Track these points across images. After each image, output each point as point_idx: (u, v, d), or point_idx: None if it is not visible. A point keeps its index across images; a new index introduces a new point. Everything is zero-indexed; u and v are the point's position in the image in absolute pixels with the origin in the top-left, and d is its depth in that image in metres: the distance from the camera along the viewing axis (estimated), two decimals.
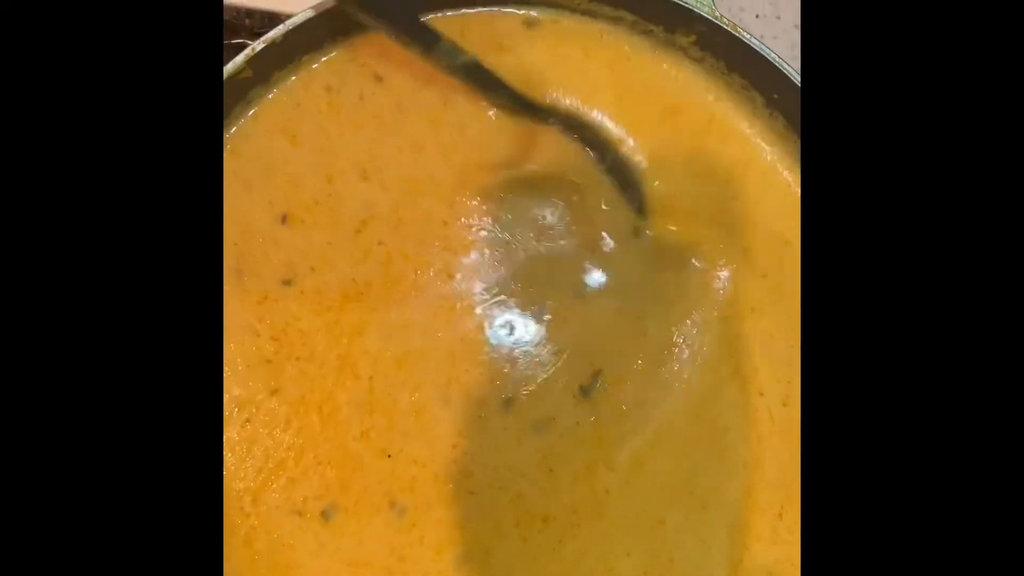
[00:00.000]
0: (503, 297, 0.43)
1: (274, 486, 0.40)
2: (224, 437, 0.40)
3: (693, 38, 0.45)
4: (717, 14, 0.43)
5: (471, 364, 0.42)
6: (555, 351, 0.43)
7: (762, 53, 0.43)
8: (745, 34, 0.43)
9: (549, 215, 0.44)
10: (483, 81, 0.43)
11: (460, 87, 0.44)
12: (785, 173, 0.46)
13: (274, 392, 0.41)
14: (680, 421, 0.42)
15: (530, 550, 0.41)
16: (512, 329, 0.43)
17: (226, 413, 0.40)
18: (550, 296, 0.43)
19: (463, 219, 0.43)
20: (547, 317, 0.43)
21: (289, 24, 0.42)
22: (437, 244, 0.43)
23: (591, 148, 0.45)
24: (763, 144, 0.46)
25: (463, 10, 0.45)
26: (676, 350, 0.43)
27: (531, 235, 0.44)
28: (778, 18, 0.59)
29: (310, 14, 0.42)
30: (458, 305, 0.43)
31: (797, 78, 0.43)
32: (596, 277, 0.44)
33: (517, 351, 0.43)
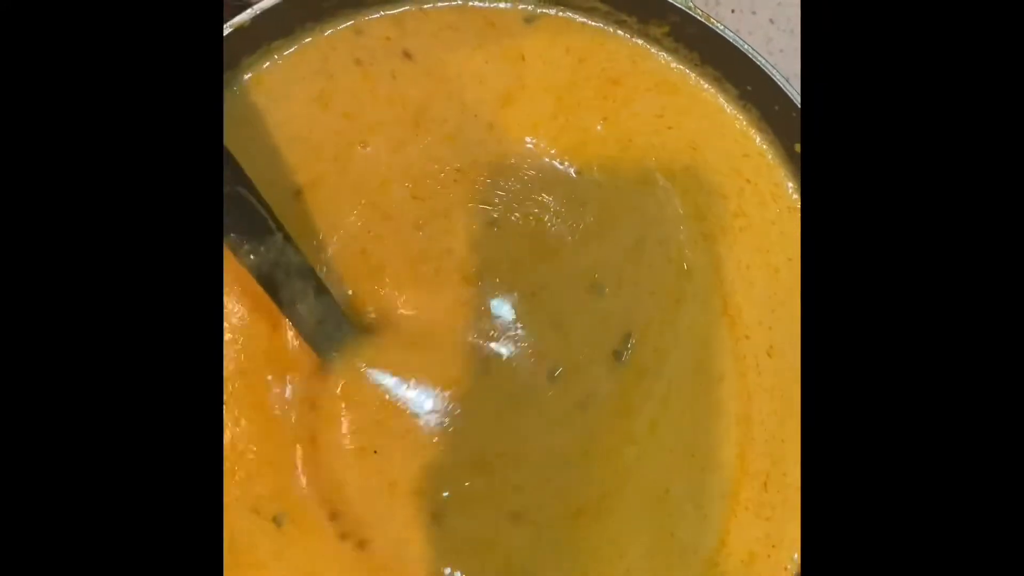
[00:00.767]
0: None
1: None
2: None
3: (667, 28, 0.44)
4: (691, 5, 0.43)
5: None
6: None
7: (736, 45, 0.43)
8: (719, 25, 0.43)
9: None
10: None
11: None
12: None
13: None
14: (686, 373, 0.43)
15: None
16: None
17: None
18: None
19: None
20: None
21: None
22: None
23: None
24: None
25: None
26: (671, 276, 0.44)
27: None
28: (754, 13, 0.58)
29: None
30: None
31: (772, 70, 0.43)
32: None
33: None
